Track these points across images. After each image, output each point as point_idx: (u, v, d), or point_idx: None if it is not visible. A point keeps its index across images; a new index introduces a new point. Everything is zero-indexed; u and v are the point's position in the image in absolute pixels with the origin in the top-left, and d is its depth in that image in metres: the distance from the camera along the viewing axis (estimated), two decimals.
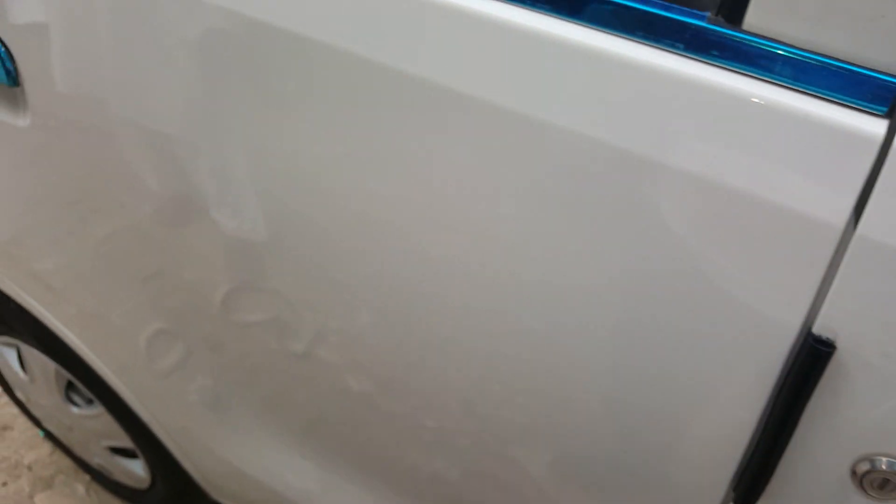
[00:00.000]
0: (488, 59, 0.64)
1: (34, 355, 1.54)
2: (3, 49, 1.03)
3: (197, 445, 1.36)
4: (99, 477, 1.75)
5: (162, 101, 0.86)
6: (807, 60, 0.55)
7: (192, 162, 0.90)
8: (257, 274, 0.96)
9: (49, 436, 1.82)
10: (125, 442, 1.53)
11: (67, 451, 1.78)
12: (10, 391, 1.76)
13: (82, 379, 1.46)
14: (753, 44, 0.57)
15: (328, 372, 1.00)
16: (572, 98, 0.62)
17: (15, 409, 1.86)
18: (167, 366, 1.27)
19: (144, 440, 1.46)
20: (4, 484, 1.79)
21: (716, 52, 0.58)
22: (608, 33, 0.61)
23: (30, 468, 1.83)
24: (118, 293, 1.21)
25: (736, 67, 0.57)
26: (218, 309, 1.06)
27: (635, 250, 0.64)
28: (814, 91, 0.55)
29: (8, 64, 1.03)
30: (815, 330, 0.58)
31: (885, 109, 0.54)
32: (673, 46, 0.59)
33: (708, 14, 0.59)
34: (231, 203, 0.90)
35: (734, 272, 0.60)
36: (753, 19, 0.57)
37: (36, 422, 1.78)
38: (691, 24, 0.58)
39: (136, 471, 1.60)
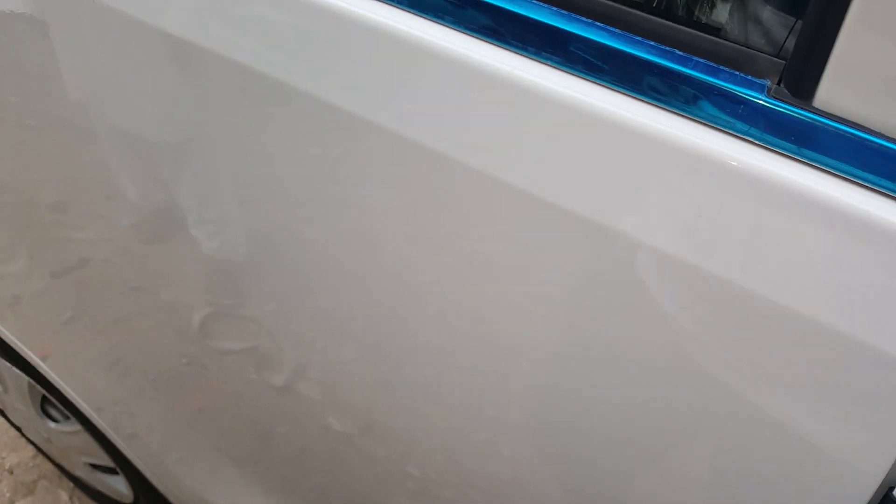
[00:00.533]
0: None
1: (4, 365, 1.45)
2: None
3: (170, 473, 1.29)
4: (82, 486, 1.67)
5: (144, 112, 0.79)
6: None
7: (175, 178, 0.82)
8: (238, 299, 0.88)
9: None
10: (105, 460, 1.44)
11: (49, 458, 1.70)
12: None
13: (55, 396, 1.37)
14: (833, 129, 0.42)
15: (306, 408, 0.93)
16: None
17: None
18: (135, 390, 1.20)
19: (123, 460, 1.38)
20: None
21: (782, 137, 0.43)
22: (644, 102, 0.47)
23: (11, 472, 1.75)
24: (87, 313, 1.14)
25: (810, 159, 0.43)
26: (195, 333, 0.98)
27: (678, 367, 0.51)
28: None
29: None
30: None
31: None
32: (723, 124, 0.45)
33: (767, 83, 0.44)
34: (213, 222, 0.81)
35: (811, 412, 0.47)
36: (830, 95, 0.42)
37: (17, 427, 1.69)
38: (746, 95, 0.44)
39: (118, 487, 1.51)
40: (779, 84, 0.44)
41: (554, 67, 0.48)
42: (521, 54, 0.49)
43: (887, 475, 0.46)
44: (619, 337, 0.53)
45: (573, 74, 0.48)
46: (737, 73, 0.45)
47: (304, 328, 0.82)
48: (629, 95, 0.47)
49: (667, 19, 0.47)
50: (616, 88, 0.47)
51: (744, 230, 0.45)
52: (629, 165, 0.47)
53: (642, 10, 0.47)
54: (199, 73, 0.69)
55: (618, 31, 0.47)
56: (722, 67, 0.45)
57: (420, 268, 0.65)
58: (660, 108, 0.46)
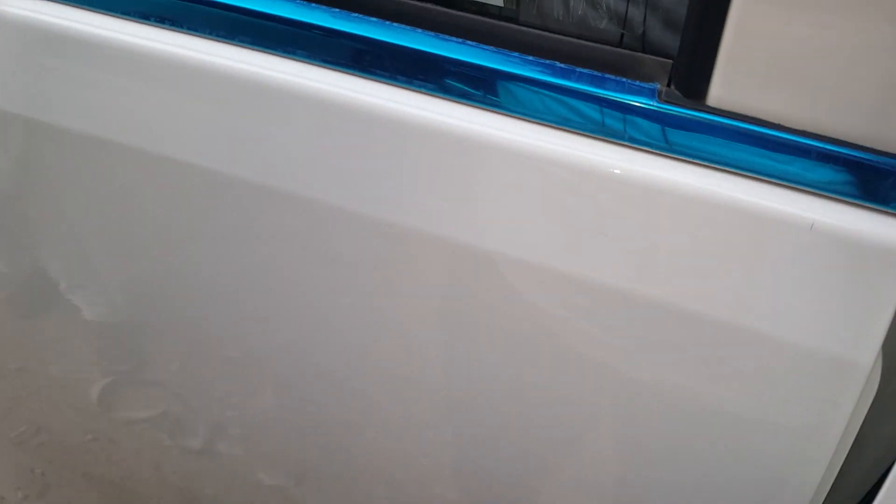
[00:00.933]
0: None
1: None
2: None
3: None
4: None
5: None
6: (813, 146, 0.39)
7: (42, 246, 0.76)
8: (136, 363, 0.83)
9: None
10: None
11: None
12: None
13: None
14: (730, 126, 0.40)
15: (232, 466, 0.88)
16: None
17: None
18: (38, 475, 1.12)
19: None
20: None
21: (679, 141, 0.41)
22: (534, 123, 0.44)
23: None
24: None
25: (709, 161, 0.41)
26: (96, 407, 0.92)
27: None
28: (824, 191, 0.40)
29: None
30: None
31: None
32: (618, 137, 0.42)
33: (657, 87, 0.42)
34: (92, 285, 0.76)
35: (743, 418, 0.46)
36: (723, 92, 0.40)
37: None
38: (637, 103, 0.41)
39: None
40: (669, 86, 0.41)
41: (429, 95, 0.45)
42: (394, 85, 0.45)
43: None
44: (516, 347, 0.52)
45: (448, 100, 0.44)
46: (624, 80, 0.42)
47: (214, 382, 0.78)
48: (514, 116, 0.44)
49: (543, 30, 0.43)
50: (498, 110, 0.44)
51: (650, 242, 0.42)
52: (525, 187, 0.44)
53: (514, 23, 0.44)
54: (44, 138, 0.63)
55: (491, 48, 0.43)
56: (608, 76, 0.42)
57: (319, 302, 0.62)
58: (548, 126, 0.43)
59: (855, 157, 0.38)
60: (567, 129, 0.43)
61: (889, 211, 0.39)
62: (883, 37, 0.36)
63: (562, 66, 0.42)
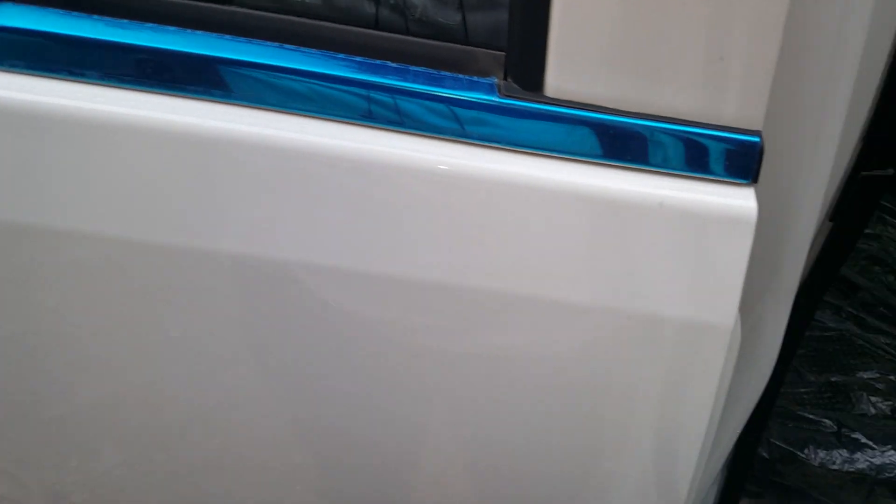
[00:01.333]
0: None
1: None
2: None
3: None
4: None
5: None
6: (651, 127, 0.40)
7: None
8: None
9: None
10: None
11: None
12: None
13: None
14: (569, 116, 0.40)
15: None
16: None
17: None
18: None
19: None
20: None
21: (525, 135, 0.40)
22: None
23: None
24: None
25: (553, 151, 0.41)
26: None
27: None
28: (668, 169, 0.41)
29: None
30: None
31: (749, 178, 0.40)
32: (458, 135, 0.41)
33: (495, 81, 0.41)
34: None
35: (625, 395, 0.47)
36: (559, 81, 0.40)
37: None
38: (476, 100, 0.40)
39: None
40: (506, 79, 0.41)
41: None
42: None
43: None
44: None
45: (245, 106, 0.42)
46: (462, 76, 0.41)
47: (44, 447, 0.69)
48: (334, 120, 0.42)
49: (377, 28, 0.41)
50: (318, 115, 0.41)
51: (502, 238, 0.42)
52: (354, 195, 0.42)
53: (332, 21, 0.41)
54: None
55: (307, 49, 0.41)
56: (445, 73, 0.41)
57: (134, 339, 0.57)
58: (391, 130, 0.41)
59: (692, 133, 0.40)
60: (404, 130, 0.41)
61: (730, 181, 0.40)
62: (708, 15, 0.37)
63: (395, 65, 0.40)
